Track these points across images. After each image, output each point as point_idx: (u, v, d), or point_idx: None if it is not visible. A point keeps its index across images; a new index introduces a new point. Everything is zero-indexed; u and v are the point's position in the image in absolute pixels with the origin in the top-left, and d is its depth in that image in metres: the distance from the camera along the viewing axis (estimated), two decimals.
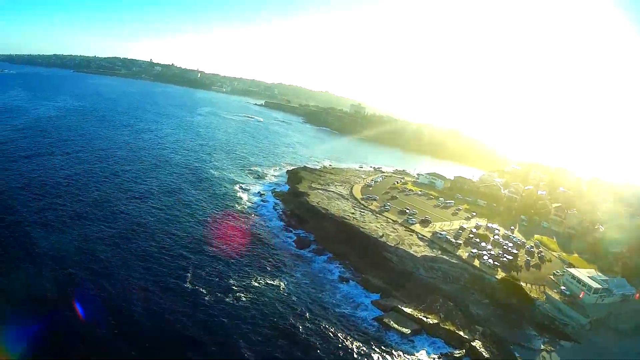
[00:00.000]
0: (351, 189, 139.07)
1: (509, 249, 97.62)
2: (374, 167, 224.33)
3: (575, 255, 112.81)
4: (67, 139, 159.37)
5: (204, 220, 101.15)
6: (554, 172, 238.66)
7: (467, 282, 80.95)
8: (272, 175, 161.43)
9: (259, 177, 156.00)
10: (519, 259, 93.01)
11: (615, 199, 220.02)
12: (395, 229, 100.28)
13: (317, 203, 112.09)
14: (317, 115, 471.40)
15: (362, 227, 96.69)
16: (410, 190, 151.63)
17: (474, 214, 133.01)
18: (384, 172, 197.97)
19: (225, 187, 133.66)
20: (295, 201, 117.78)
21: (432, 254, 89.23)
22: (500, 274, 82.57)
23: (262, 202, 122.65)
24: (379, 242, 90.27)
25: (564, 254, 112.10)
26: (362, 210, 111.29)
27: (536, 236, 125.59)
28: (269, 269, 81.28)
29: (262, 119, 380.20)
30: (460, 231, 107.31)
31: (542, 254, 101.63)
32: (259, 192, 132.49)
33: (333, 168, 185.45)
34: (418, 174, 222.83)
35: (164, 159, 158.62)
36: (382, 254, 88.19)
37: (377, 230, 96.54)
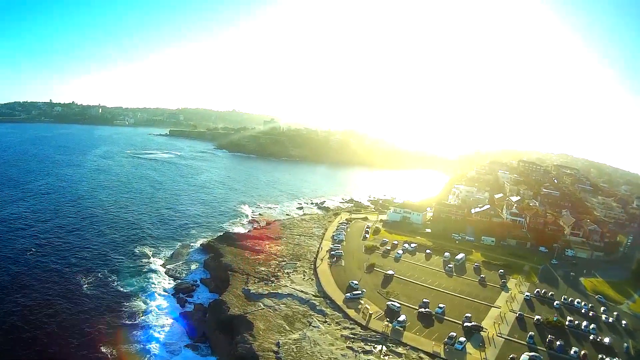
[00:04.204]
0: (316, 274, 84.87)
1: (597, 338, 66.31)
2: (317, 204, 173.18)
3: (637, 297, 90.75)
4: None
5: None
6: (521, 167, 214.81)
7: None
8: (179, 265, 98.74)
9: (157, 273, 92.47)
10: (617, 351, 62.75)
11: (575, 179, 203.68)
12: None
13: None
14: (228, 138, 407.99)
15: None
16: (392, 245, 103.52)
17: (502, 272, 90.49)
18: (334, 212, 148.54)
19: (96, 327, 69.25)
20: (235, 356, 58.69)
21: None
22: None
23: None
24: None
25: (630, 303, 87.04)
26: (368, 346, 57.02)
27: (586, 283, 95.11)
28: None
29: (163, 155, 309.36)
30: (529, 335, 62.51)
31: (621, 319, 76.03)
32: (162, 338, 68.37)
33: (268, 225, 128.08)
34: (375, 204, 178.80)
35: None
36: None
37: None
